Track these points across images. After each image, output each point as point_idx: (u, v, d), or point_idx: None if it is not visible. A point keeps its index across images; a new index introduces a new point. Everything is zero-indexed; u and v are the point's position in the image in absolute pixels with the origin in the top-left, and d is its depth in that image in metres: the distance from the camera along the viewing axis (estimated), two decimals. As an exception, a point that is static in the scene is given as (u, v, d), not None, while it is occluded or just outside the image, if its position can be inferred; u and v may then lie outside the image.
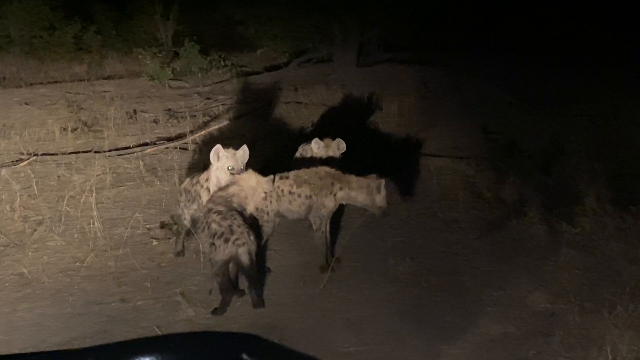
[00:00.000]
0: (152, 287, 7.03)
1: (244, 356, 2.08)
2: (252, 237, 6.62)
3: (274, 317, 6.50)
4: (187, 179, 7.76)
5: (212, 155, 7.24)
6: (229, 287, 6.62)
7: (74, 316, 6.54)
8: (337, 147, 8.05)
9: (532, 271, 7.27)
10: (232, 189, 7.01)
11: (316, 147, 8.05)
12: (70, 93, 13.30)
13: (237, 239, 6.52)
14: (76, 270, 7.37)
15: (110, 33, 17.22)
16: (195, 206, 7.45)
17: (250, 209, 7.09)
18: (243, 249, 6.51)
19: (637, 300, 6.52)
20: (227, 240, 6.51)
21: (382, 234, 8.00)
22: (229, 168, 7.18)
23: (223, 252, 6.51)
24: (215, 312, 6.55)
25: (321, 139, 8.11)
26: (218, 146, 7.28)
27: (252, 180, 7.10)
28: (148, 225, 8.25)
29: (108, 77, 14.90)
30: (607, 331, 6.10)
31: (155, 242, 7.90)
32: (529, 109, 12.20)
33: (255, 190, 7.09)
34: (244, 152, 7.28)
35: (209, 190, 7.28)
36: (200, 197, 7.37)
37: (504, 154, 10.01)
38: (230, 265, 6.64)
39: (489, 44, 15.55)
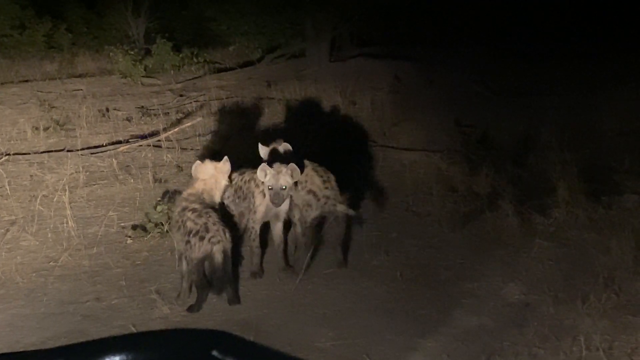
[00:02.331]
0: (127, 285, 7.01)
1: (215, 353, 2.08)
2: (227, 235, 6.62)
3: (249, 313, 6.51)
4: (236, 174, 7.49)
5: (259, 173, 7.08)
6: (205, 285, 6.61)
7: (49, 316, 6.51)
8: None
9: (506, 263, 7.32)
10: (198, 185, 6.99)
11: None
12: (41, 92, 13.20)
13: (212, 237, 6.52)
14: (50, 269, 7.33)
15: (81, 31, 17.11)
16: (246, 204, 7.36)
17: (217, 199, 7.07)
18: (218, 247, 6.51)
19: (610, 290, 6.58)
20: (202, 238, 6.51)
21: (356, 229, 8.01)
22: (270, 187, 7.05)
23: (198, 250, 6.51)
24: (190, 309, 6.54)
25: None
26: (264, 164, 7.10)
27: (210, 169, 7.08)
28: (122, 224, 8.22)
29: (80, 76, 14.79)
30: (580, 321, 6.15)
31: (129, 241, 7.87)
32: (501, 101, 12.27)
33: (217, 178, 7.06)
34: (292, 170, 7.07)
35: (264, 195, 7.16)
36: (253, 196, 7.26)
37: (476, 147, 10.06)
38: (206, 262, 6.63)
39: (460, 37, 15.60)
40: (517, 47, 14.95)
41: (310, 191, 7.38)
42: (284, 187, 7.03)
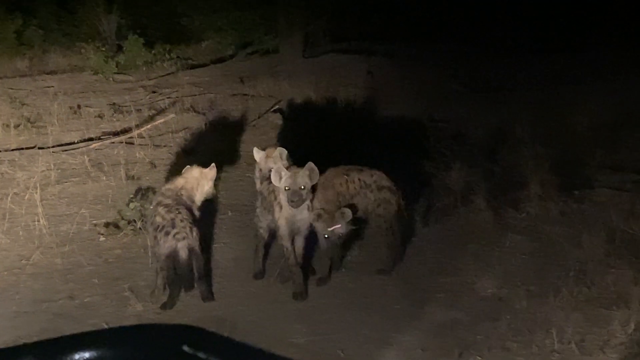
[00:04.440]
0: (100, 283, 6.98)
1: (185, 348, 2.08)
2: (194, 233, 6.58)
3: (224, 310, 6.50)
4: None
5: (274, 176, 6.71)
6: (176, 281, 6.58)
7: (21, 315, 6.47)
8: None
9: (479, 257, 7.37)
10: (179, 182, 6.99)
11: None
12: (12, 89, 13.06)
13: (177, 233, 6.50)
14: (22, 268, 7.28)
15: (52, 27, 16.94)
16: (270, 217, 6.97)
17: (197, 199, 7.05)
18: (182, 244, 6.49)
19: (581, 283, 6.64)
20: (167, 234, 6.50)
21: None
22: (286, 188, 6.65)
23: (164, 245, 6.49)
24: (164, 306, 6.53)
25: (263, 148, 7.43)
26: (279, 166, 6.77)
27: (196, 172, 7.08)
28: (95, 222, 8.16)
29: (51, 72, 14.65)
30: (553, 314, 6.20)
31: (102, 238, 7.83)
32: (475, 97, 12.31)
33: (200, 181, 7.05)
34: (310, 171, 6.71)
35: (280, 206, 6.78)
36: (273, 209, 6.88)
37: (450, 142, 10.08)
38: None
39: (434, 33, 15.63)
40: (490, 42, 14.99)
41: (383, 187, 7.20)
42: (302, 187, 6.63)
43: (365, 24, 16.00)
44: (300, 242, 6.98)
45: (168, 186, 7.03)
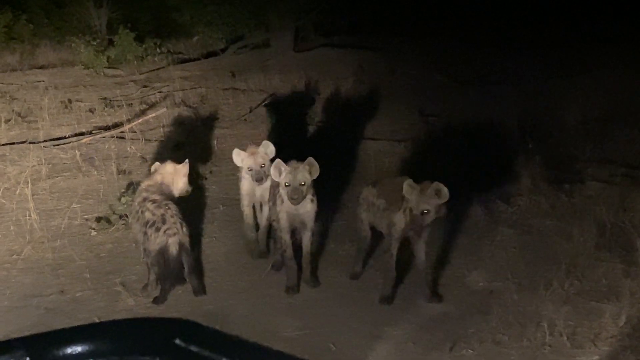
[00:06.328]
0: (91, 277, 6.97)
1: (178, 341, 2.08)
2: (184, 229, 6.58)
3: (215, 304, 6.51)
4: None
5: (274, 171, 6.58)
6: (167, 276, 6.58)
7: (12, 309, 6.46)
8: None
9: (470, 251, 7.38)
10: (157, 177, 6.96)
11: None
12: (2, 83, 13.04)
13: (168, 229, 6.49)
14: (13, 262, 7.27)
15: (42, 22, 16.89)
16: (275, 210, 6.88)
17: (176, 193, 7.01)
18: (173, 240, 6.48)
19: (572, 276, 6.67)
20: (158, 229, 6.49)
21: (322, 218, 8.01)
22: (287, 184, 6.52)
23: (154, 241, 6.49)
24: (155, 301, 6.53)
25: (243, 148, 7.25)
26: (278, 161, 6.60)
27: (170, 168, 7.04)
28: (86, 216, 8.16)
29: (41, 67, 14.62)
30: (543, 307, 6.23)
31: (93, 233, 7.82)
32: (465, 91, 12.31)
33: (174, 176, 7.02)
34: (310, 166, 6.56)
35: (282, 200, 6.65)
36: (276, 202, 6.81)
37: (440, 136, 10.10)
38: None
39: (423, 27, 15.64)
40: (480, 36, 15.00)
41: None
42: (302, 184, 6.51)
43: (355, 18, 16.00)
44: (307, 238, 6.87)
45: (148, 182, 6.98)
